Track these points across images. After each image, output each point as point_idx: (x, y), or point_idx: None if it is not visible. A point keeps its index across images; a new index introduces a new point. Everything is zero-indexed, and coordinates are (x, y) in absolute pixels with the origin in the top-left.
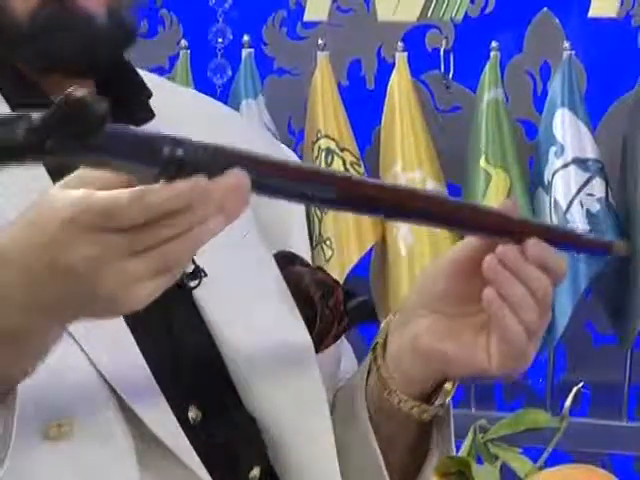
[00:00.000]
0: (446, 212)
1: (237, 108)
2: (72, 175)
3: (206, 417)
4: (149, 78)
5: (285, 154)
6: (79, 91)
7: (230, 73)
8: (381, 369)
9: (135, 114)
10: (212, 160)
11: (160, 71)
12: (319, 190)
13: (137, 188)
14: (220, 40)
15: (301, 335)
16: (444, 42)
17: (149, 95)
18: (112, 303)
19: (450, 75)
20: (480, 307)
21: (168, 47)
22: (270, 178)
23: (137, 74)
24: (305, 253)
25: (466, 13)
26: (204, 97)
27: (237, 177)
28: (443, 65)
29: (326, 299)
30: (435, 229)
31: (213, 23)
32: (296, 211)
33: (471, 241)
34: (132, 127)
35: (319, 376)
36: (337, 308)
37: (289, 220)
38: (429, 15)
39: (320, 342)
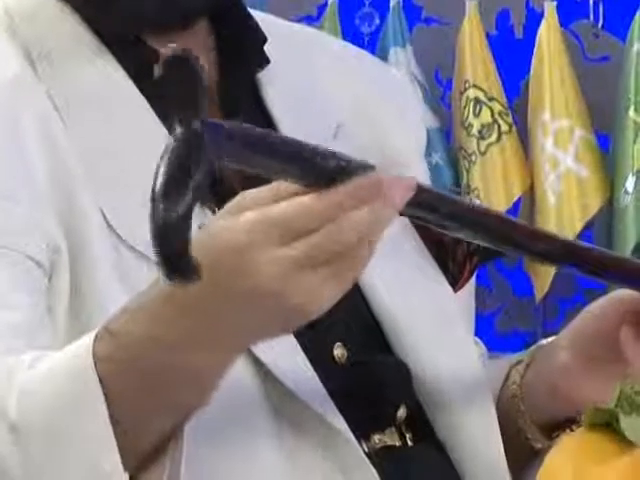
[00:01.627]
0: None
1: (385, 57)
2: (230, 204)
3: (352, 356)
4: (267, 21)
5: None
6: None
7: (378, 22)
8: (517, 388)
9: (250, 60)
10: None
11: (309, 20)
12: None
13: (312, 194)
14: None
15: (447, 291)
16: None
17: (263, 40)
18: (300, 314)
19: (600, 24)
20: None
21: None
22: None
23: (251, 19)
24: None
25: None
26: (316, 33)
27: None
28: (592, 14)
29: (456, 241)
30: (584, 178)
31: None
32: (414, 142)
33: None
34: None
35: (469, 335)
36: (467, 248)
37: (408, 154)
38: None
39: (455, 283)
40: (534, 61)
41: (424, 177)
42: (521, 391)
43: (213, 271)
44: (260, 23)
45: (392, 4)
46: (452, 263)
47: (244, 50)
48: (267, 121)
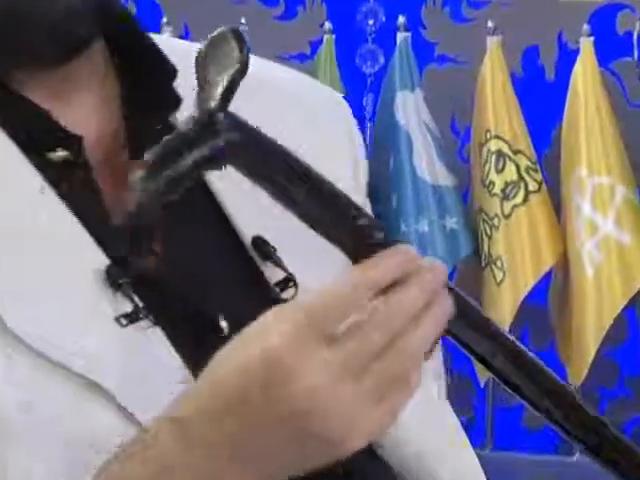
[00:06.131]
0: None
1: (390, 102)
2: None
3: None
4: (175, 48)
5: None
6: None
7: (382, 61)
8: None
9: (159, 102)
10: None
11: (301, 58)
12: None
13: (345, 278)
14: (371, 22)
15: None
16: (638, 24)
17: (172, 76)
18: (336, 445)
19: None
20: None
21: (310, 30)
22: None
23: (158, 52)
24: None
25: None
26: None
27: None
28: (637, 52)
29: None
30: (627, 245)
31: (362, 2)
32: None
33: None
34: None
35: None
36: None
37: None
38: None
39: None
40: (568, 107)
41: None
42: None
43: (238, 384)
44: (172, 53)
45: (399, 40)
46: None
47: (154, 91)
48: None
